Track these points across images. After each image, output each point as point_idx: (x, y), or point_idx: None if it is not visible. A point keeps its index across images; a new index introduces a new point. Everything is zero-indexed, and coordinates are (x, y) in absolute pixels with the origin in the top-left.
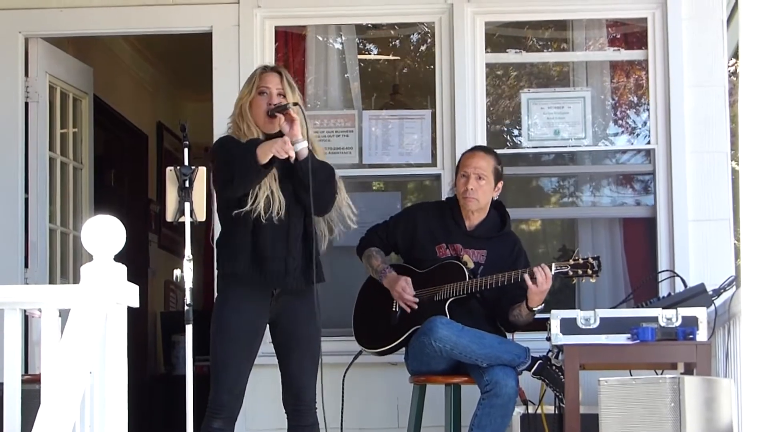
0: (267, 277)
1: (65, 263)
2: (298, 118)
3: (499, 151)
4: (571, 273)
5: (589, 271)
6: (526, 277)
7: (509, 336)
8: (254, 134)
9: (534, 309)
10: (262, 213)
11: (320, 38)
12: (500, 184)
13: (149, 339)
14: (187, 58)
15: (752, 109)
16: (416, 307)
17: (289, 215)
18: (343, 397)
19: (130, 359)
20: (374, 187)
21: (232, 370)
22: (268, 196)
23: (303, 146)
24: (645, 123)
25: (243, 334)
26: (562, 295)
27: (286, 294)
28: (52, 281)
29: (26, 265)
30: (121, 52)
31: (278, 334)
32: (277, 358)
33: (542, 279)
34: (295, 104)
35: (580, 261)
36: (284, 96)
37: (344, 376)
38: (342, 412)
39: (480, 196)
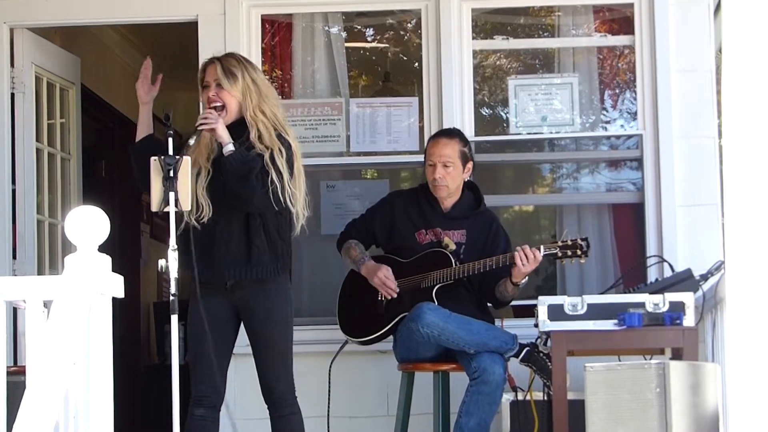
0: (209, 273)
1: (54, 254)
2: (218, 125)
3: (487, 138)
4: (560, 254)
5: (579, 252)
6: (516, 258)
7: (497, 323)
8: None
9: (518, 284)
10: (189, 219)
11: (307, 26)
12: (470, 165)
13: (142, 329)
14: (177, 47)
15: (735, 96)
16: (395, 295)
17: (220, 212)
18: (329, 386)
19: (123, 350)
20: (368, 176)
21: (204, 363)
22: (193, 203)
23: (227, 150)
24: (632, 109)
25: (209, 328)
26: (552, 281)
27: (241, 288)
28: (40, 272)
29: (14, 257)
30: (110, 41)
31: (245, 328)
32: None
33: (530, 260)
34: (198, 132)
35: (569, 242)
36: (221, 86)
37: (330, 366)
38: (329, 402)
39: (449, 183)
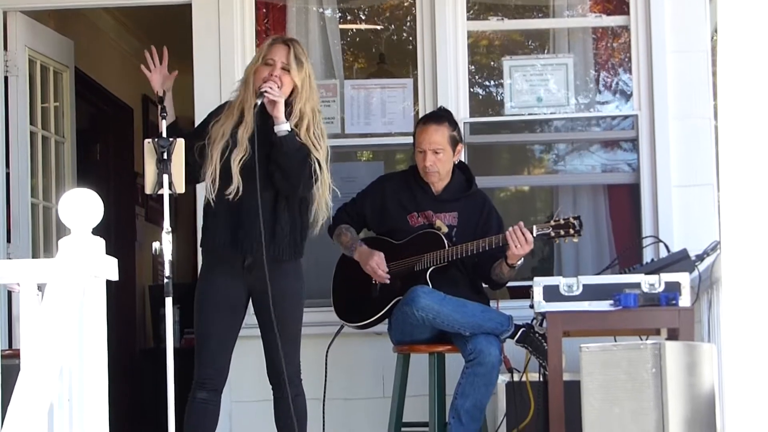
0: (232, 247)
1: (48, 238)
2: (280, 100)
3: (482, 119)
4: (553, 234)
5: (571, 231)
6: (509, 240)
7: (493, 304)
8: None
9: (514, 266)
10: (215, 192)
11: (301, 8)
12: (459, 147)
13: (138, 312)
14: (171, 29)
15: (730, 77)
16: (388, 281)
17: (249, 188)
18: (326, 371)
19: (119, 333)
20: (363, 158)
21: (211, 344)
22: (218, 177)
23: (282, 129)
24: (628, 89)
25: (219, 309)
26: (548, 262)
27: (259, 267)
28: (35, 256)
29: (8, 240)
30: (104, 25)
31: (256, 308)
32: (260, 331)
33: (522, 242)
34: (261, 94)
35: (561, 221)
36: (288, 71)
37: (327, 351)
38: (325, 385)
39: (440, 168)
